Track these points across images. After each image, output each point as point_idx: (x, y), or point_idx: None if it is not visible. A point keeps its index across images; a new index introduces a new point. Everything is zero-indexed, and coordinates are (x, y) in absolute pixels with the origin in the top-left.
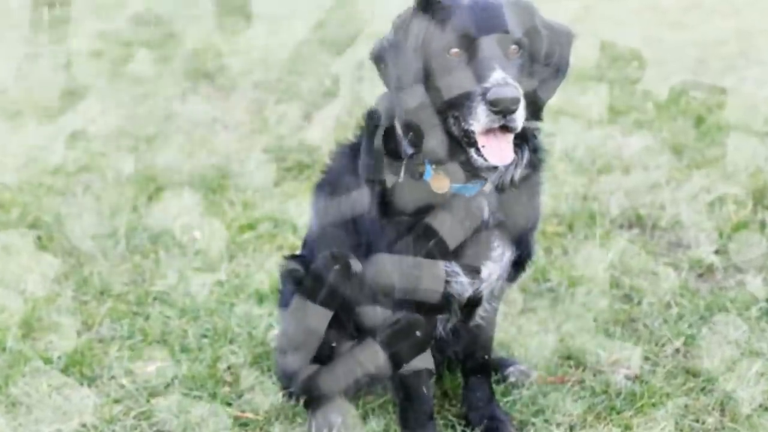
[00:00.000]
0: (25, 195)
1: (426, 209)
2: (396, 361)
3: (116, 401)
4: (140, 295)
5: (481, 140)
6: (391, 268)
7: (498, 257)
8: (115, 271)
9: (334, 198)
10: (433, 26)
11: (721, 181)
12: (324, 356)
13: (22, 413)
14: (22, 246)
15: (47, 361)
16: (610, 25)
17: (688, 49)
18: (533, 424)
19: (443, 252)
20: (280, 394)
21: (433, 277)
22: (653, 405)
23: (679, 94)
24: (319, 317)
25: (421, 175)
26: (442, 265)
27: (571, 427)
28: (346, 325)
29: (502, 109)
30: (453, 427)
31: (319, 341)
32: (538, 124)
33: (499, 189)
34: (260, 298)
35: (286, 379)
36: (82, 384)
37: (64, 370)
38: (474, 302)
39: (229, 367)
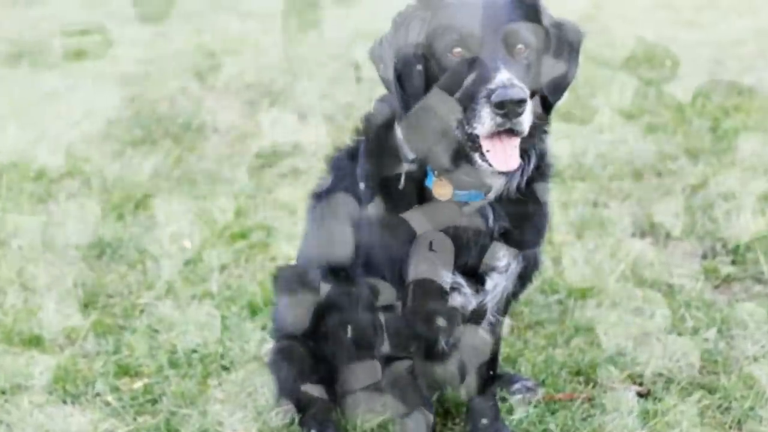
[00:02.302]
0: (4, 202)
1: (427, 218)
2: (395, 377)
3: (101, 420)
4: (127, 307)
5: (485, 145)
6: (391, 281)
7: (503, 268)
8: (100, 283)
9: (331, 206)
10: (435, 24)
11: (738, 187)
12: (321, 371)
13: None
14: (1, 256)
15: (29, 377)
16: (622, 24)
17: (704, 49)
18: None
19: (446, 262)
20: (275, 412)
21: (434, 293)
22: (667, 424)
23: (694, 96)
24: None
25: (423, 181)
26: (444, 278)
27: None
28: (344, 339)
29: (507, 112)
30: None
31: (316, 356)
32: (546, 127)
33: (505, 196)
34: (253, 311)
35: (280, 396)
36: (65, 401)
37: (47, 387)
38: (478, 315)
39: (220, 384)
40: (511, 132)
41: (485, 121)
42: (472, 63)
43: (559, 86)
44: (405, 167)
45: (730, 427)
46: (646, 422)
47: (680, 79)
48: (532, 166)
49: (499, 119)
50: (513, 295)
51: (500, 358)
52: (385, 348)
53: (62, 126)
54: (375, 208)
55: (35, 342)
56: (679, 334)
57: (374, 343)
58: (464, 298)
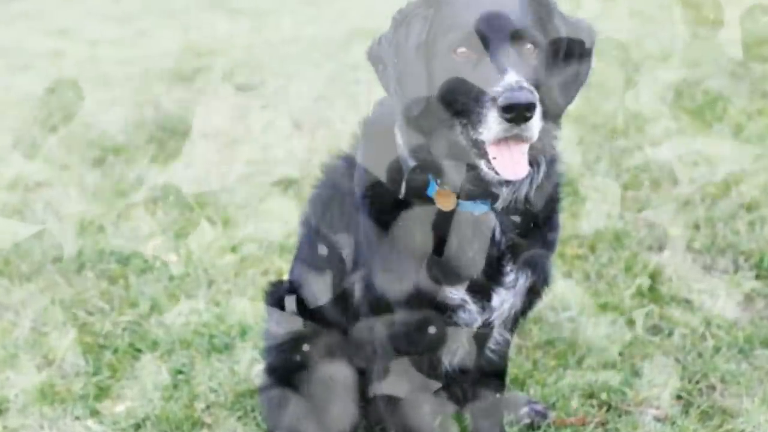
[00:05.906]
0: None
1: (429, 229)
2: (394, 399)
3: None
4: (108, 325)
5: (492, 151)
6: (390, 298)
7: (511, 283)
8: (79, 299)
9: (327, 217)
10: (437, 22)
11: (762, 197)
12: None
13: None
14: None
15: (3, 399)
16: (637, 22)
17: (726, 48)
18: None
19: (449, 277)
20: None
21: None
22: None
23: (716, 99)
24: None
25: (425, 190)
26: (447, 294)
27: None
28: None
29: (515, 117)
30: None
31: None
32: (557, 132)
33: (512, 206)
34: (243, 330)
35: (272, 421)
36: (42, 426)
37: (23, 410)
38: (484, 334)
39: (208, 407)
40: (519, 138)
41: (492, 126)
42: (477, 64)
43: (570, 89)
44: (405, 175)
45: None
46: None
47: (701, 81)
48: (541, 174)
49: (506, 124)
50: (521, 312)
51: (508, 379)
52: (384, 367)
53: (39, 130)
54: (373, 220)
55: (10, 362)
56: (699, 355)
57: (372, 364)
58: (469, 316)
